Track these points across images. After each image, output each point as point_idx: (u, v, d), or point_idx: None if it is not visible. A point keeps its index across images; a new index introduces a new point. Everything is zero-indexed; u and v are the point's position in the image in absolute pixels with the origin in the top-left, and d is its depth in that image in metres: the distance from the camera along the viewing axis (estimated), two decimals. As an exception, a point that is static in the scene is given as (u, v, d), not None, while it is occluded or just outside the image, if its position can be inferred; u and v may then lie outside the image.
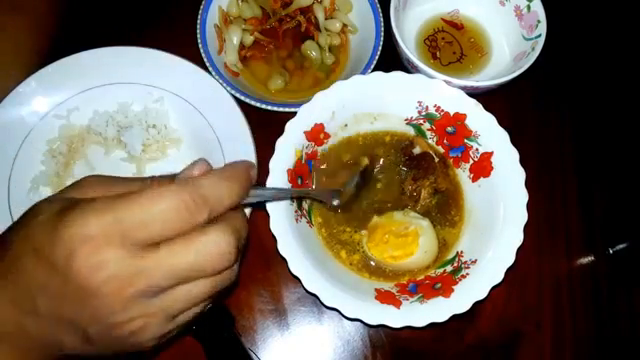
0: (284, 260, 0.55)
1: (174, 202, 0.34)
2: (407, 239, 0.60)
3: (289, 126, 0.60)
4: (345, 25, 0.76)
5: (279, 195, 0.56)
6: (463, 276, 0.58)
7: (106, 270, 0.33)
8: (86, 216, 0.33)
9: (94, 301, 0.34)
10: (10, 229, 0.38)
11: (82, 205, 0.34)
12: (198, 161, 0.39)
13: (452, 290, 0.56)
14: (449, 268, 0.61)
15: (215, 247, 0.36)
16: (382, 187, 0.66)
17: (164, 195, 0.34)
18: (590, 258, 0.70)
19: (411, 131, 0.67)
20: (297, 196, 0.60)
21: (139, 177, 0.40)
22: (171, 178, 0.39)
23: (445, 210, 0.65)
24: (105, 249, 0.33)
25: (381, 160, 0.67)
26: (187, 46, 0.70)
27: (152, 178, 0.39)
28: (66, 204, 0.35)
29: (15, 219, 0.63)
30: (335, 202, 0.62)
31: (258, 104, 0.67)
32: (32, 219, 0.36)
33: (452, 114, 0.63)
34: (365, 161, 0.65)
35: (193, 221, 0.35)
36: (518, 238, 0.58)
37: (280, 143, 0.60)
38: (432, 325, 0.55)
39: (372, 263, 0.62)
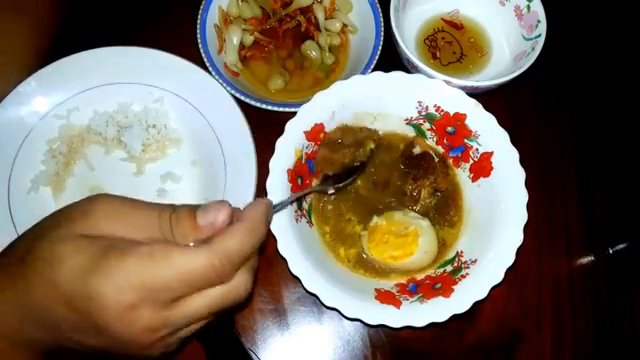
0: (284, 260, 0.55)
1: (203, 269, 0.36)
2: (407, 239, 0.60)
3: (289, 126, 0.60)
4: (345, 25, 0.76)
5: (282, 207, 0.57)
6: (463, 276, 0.58)
7: (138, 325, 0.36)
8: (120, 286, 0.35)
9: (121, 345, 0.38)
10: (19, 250, 0.39)
11: (112, 269, 0.35)
12: (222, 206, 0.39)
13: (452, 290, 0.56)
14: (449, 268, 0.61)
15: (236, 292, 0.40)
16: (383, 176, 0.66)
17: (193, 263, 0.36)
18: (590, 258, 0.70)
19: (411, 131, 0.67)
20: (297, 199, 0.60)
21: (156, 205, 0.40)
22: (192, 209, 0.39)
23: (444, 210, 0.65)
24: (138, 309, 0.36)
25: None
26: (187, 46, 0.70)
27: (172, 211, 0.39)
28: (89, 258, 0.35)
29: (15, 219, 0.64)
30: (330, 191, 0.63)
31: (258, 104, 0.67)
32: (52, 259, 0.36)
33: (452, 114, 0.63)
34: (371, 145, 0.65)
35: (219, 280, 0.38)
36: (518, 238, 0.58)
37: (280, 143, 0.60)
38: (432, 325, 0.55)
39: (367, 259, 0.62)
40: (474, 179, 0.64)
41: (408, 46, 0.67)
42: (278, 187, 0.58)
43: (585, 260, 0.70)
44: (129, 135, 0.68)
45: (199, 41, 0.70)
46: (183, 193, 0.68)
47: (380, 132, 0.67)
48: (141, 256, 0.35)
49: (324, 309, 0.64)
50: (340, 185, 0.63)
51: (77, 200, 0.40)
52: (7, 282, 0.37)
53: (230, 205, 0.40)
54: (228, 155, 0.67)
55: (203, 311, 0.39)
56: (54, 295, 0.36)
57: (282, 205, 0.55)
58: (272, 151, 0.59)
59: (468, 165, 0.65)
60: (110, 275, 0.35)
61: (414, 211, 0.64)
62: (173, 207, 0.40)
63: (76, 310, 0.36)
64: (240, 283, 0.40)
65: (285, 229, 0.57)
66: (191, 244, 0.38)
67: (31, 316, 0.37)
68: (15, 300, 0.37)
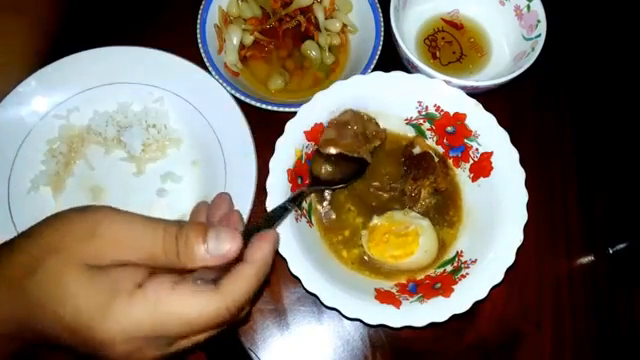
0: (284, 260, 0.55)
1: (212, 314, 0.37)
2: (407, 239, 0.60)
3: (289, 126, 0.60)
4: (345, 25, 0.76)
5: (284, 218, 0.56)
6: (463, 276, 0.58)
7: None
8: (128, 333, 0.36)
9: None
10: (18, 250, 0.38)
11: (119, 317, 0.35)
12: (234, 236, 0.39)
13: (452, 290, 0.56)
14: (449, 268, 0.61)
15: (236, 321, 0.42)
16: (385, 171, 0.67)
17: (201, 312, 0.37)
18: (590, 258, 0.70)
19: (411, 131, 0.67)
20: (299, 203, 0.60)
21: (161, 222, 0.39)
22: (201, 231, 0.39)
23: (443, 211, 0.65)
24: (144, 350, 0.37)
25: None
26: (187, 46, 0.70)
27: (179, 230, 0.39)
28: (95, 300, 0.36)
29: (15, 219, 0.63)
30: (327, 193, 0.64)
31: (258, 104, 0.67)
32: (55, 293, 0.36)
33: (452, 114, 0.63)
34: (377, 142, 0.65)
35: (225, 324, 0.39)
36: (518, 238, 0.58)
37: (280, 143, 0.60)
38: (432, 325, 0.55)
39: (369, 260, 0.62)
40: (474, 179, 0.64)
41: (408, 46, 0.67)
42: (278, 187, 0.58)
43: (585, 260, 0.70)
44: (129, 135, 0.68)
45: (199, 41, 0.70)
46: (183, 193, 0.68)
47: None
48: (149, 302, 0.36)
49: (324, 309, 0.64)
50: (335, 187, 0.63)
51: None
52: (4, 292, 0.37)
53: (240, 225, 0.42)
54: (228, 155, 0.67)
55: (203, 340, 0.41)
56: (56, 323, 0.36)
57: (284, 216, 0.55)
58: (272, 151, 0.59)
59: (468, 165, 0.65)
60: (117, 323, 0.35)
61: (414, 211, 0.64)
62: (180, 225, 0.39)
63: (77, 339, 0.36)
64: (244, 317, 0.42)
65: (285, 229, 0.57)
66: (198, 281, 0.38)
67: (27, 327, 0.37)
68: (12, 313, 0.37)
